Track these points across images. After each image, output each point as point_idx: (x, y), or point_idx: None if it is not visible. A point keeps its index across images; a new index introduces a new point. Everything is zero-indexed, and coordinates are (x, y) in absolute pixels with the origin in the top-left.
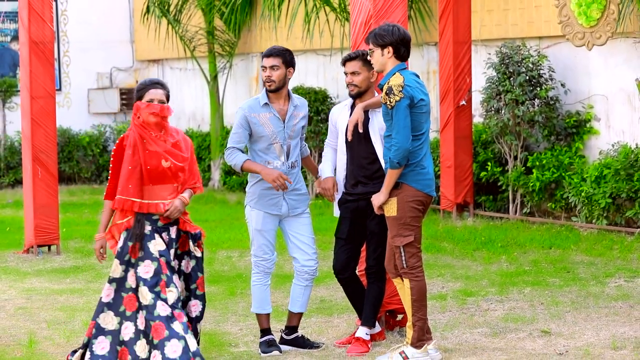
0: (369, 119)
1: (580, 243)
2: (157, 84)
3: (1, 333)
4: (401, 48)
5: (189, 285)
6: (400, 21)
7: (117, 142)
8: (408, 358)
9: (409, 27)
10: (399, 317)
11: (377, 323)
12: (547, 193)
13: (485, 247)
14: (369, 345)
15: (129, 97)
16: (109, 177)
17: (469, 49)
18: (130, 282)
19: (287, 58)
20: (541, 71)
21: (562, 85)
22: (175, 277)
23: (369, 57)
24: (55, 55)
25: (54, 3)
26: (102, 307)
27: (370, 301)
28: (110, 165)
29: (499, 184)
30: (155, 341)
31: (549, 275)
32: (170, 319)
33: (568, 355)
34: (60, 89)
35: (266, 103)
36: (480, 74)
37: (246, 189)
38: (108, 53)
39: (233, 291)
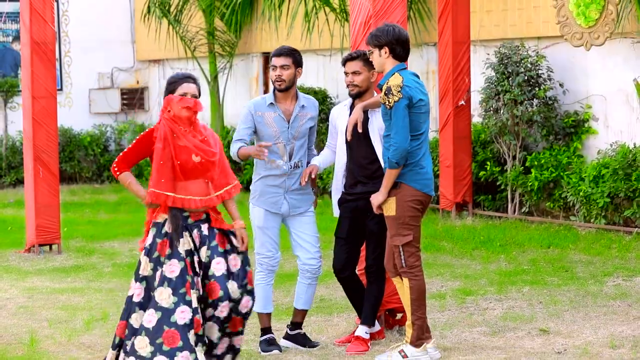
0: (368, 118)
1: (578, 242)
2: (190, 78)
3: (3, 332)
4: (397, 48)
5: (240, 283)
6: (400, 21)
7: (147, 130)
8: (407, 357)
9: (408, 28)
10: (399, 316)
11: (376, 322)
12: (545, 192)
13: (484, 246)
14: (369, 344)
15: (130, 97)
16: (123, 151)
17: (467, 49)
18: (157, 280)
19: (296, 58)
20: (540, 71)
21: (560, 85)
22: (197, 279)
23: (369, 58)
24: (57, 56)
25: (55, 3)
26: (133, 306)
27: (369, 300)
28: (132, 144)
29: (497, 183)
30: (166, 348)
31: (548, 275)
32: (187, 327)
33: (566, 354)
34: (61, 89)
35: (272, 103)
36: (479, 74)
37: (250, 187)
38: (109, 53)
39: None
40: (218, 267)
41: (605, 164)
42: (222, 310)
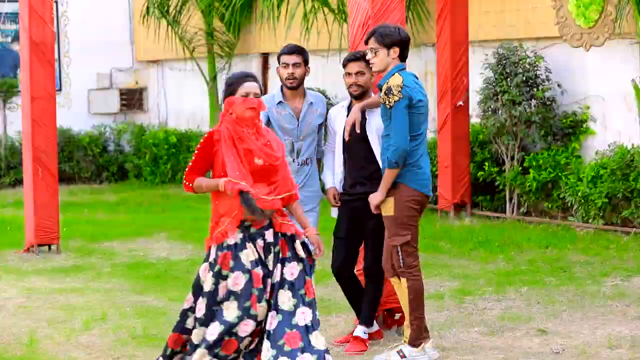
0: (365, 119)
1: (576, 242)
2: (250, 77)
3: (1, 332)
4: (405, 49)
5: (296, 292)
6: (399, 22)
7: (206, 135)
8: (406, 357)
9: (406, 28)
10: (397, 316)
11: (375, 322)
12: (543, 193)
13: (482, 246)
14: (367, 344)
15: (129, 98)
16: (189, 165)
17: (466, 50)
18: (221, 295)
19: (306, 56)
20: (538, 72)
21: (558, 85)
22: (267, 290)
23: (370, 57)
24: (56, 56)
25: (54, 4)
26: (193, 321)
27: (368, 300)
28: (195, 153)
29: (496, 183)
30: (222, 354)
31: (546, 275)
32: (244, 338)
33: (564, 354)
34: (60, 90)
35: (281, 101)
36: (478, 75)
37: None
38: (108, 54)
39: None
40: (276, 273)
41: (603, 165)
42: (271, 322)
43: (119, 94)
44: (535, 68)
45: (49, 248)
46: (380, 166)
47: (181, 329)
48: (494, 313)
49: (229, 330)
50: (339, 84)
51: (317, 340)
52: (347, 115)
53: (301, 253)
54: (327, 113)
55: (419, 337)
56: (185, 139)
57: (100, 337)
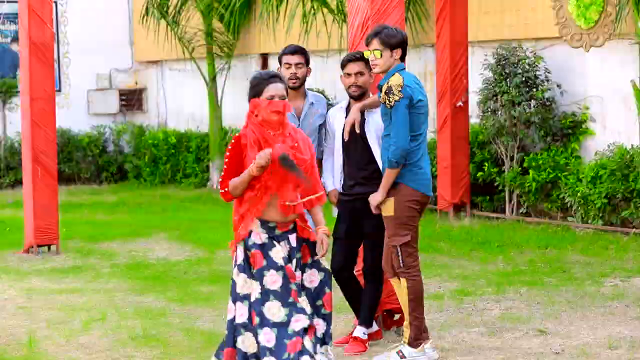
0: (364, 119)
1: (576, 243)
2: (276, 77)
3: (1, 332)
4: (405, 50)
5: (313, 302)
6: (398, 23)
7: (233, 141)
8: (405, 357)
9: (406, 29)
10: (396, 316)
11: (374, 322)
12: (543, 193)
13: (481, 247)
14: (367, 345)
15: (128, 98)
16: (222, 175)
17: (465, 51)
18: (257, 294)
19: (307, 57)
20: (537, 72)
21: (558, 86)
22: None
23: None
24: (55, 57)
25: (53, 5)
26: (237, 329)
27: (367, 301)
28: (226, 160)
29: (495, 184)
30: (291, 354)
31: (545, 275)
32: (305, 331)
33: (564, 354)
34: (60, 90)
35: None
36: (477, 75)
37: None
38: (107, 54)
39: None
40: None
41: (602, 165)
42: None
43: (119, 95)
44: (535, 68)
45: (49, 248)
46: (380, 166)
47: (234, 342)
48: (494, 313)
49: (285, 331)
50: (339, 84)
51: (328, 354)
52: (346, 116)
53: (324, 264)
54: (326, 114)
55: (418, 337)
56: (185, 140)
57: (99, 337)
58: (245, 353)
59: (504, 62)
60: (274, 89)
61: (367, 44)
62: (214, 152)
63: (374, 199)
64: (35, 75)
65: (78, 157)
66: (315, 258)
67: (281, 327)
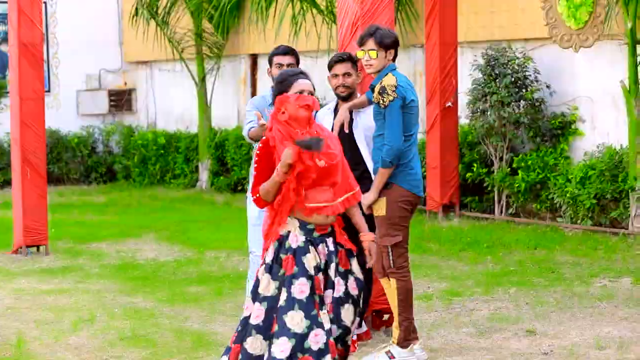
0: (352, 120)
1: (565, 243)
2: (302, 74)
3: None
4: (397, 50)
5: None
6: (387, 23)
7: (261, 145)
8: (394, 357)
9: (395, 29)
10: (386, 317)
11: (363, 323)
12: (532, 194)
13: (471, 247)
14: (356, 345)
15: (118, 99)
16: (253, 181)
17: (455, 51)
18: (282, 301)
19: (298, 58)
20: (526, 73)
21: (547, 87)
22: (327, 298)
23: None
24: (45, 57)
25: (43, 5)
26: (249, 329)
27: None
28: (255, 166)
29: (484, 184)
30: None
31: (534, 276)
32: (322, 352)
33: (553, 354)
34: (49, 91)
35: (272, 102)
36: (467, 76)
37: (249, 183)
38: (97, 55)
39: (220, 291)
40: (337, 287)
41: (591, 166)
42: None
43: (108, 95)
44: (524, 69)
45: (38, 249)
46: (368, 167)
47: (243, 339)
48: (483, 314)
49: (301, 344)
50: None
51: None
52: (334, 117)
53: (359, 275)
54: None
55: (407, 337)
56: (174, 140)
57: (88, 338)
58: (251, 354)
59: (493, 62)
60: (303, 84)
61: (361, 44)
62: (203, 152)
63: (367, 198)
64: (24, 76)
65: (67, 157)
66: (367, 266)
67: (300, 338)
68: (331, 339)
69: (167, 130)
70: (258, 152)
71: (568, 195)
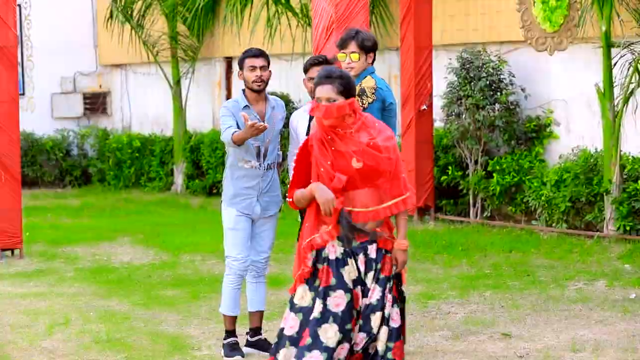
0: None
1: (540, 246)
2: (328, 78)
3: None
4: (376, 54)
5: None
6: (362, 26)
7: (302, 144)
8: None
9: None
10: None
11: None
12: (507, 197)
13: (446, 250)
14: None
15: (93, 102)
16: (290, 181)
17: (430, 54)
18: (316, 313)
19: (269, 59)
20: (501, 76)
21: (522, 90)
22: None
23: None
24: (19, 60)
25: (17, 8)
26: (284, 340)
27: None
28: (294, 166)
29: (459, 188)
30: None
31: (510, 279)
32: None
33: (528, 357)
34: (23, 93)
35: (247, 105)
36: (441, 79)
37: (223, 188)
38: (72, 58)
39: (196, 294)
40: (371, 294)
41: (566, 169)
42: (358, 343)
43: (83, 98)
44: (499, 72)
45: (12, 253)
46: None
47: (276, 351)
48: (458, 317)
49: (331, 358)
50: (303, 88)
51: None
52: (310, 120)
53: (396, 267)
54: (287, 118)
55: None
56: (149, 143)
57: (63, 341)
58: None
59: (468, 65)
60: (319, 92)
61: (342, 47)
62: (178, 155)
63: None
64: None
65: (42, 160)
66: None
67: (331, 353)
68: (359, 352)
69: (142, 133)
70: (298, 152)
71: (543, 198)
